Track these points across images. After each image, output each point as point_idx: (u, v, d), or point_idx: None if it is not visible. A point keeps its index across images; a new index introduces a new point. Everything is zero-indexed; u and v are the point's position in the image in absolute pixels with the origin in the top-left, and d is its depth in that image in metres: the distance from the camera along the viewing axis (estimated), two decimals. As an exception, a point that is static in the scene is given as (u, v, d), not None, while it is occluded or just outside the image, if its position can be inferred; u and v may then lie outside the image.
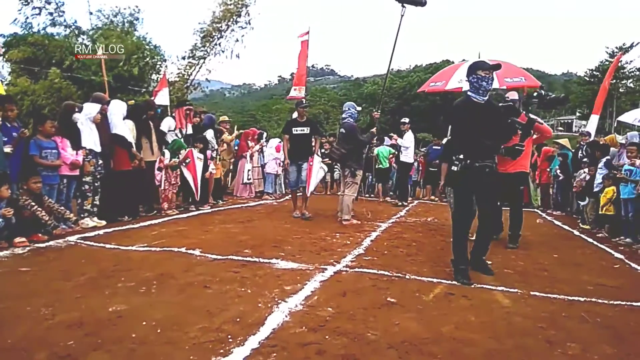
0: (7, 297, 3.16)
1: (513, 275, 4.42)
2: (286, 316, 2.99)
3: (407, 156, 10.65)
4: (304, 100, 8.88)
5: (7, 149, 5.07)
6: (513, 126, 4.47)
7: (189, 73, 17.49)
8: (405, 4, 6.13)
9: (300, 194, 7.88)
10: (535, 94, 4.72)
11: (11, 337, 2.52)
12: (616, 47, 48.57)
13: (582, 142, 9.58)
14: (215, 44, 17.37)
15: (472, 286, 3.91)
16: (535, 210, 10.71)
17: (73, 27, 16.84)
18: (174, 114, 8.35)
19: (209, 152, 8.53)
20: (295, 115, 8.12)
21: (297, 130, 7.65)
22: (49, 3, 16.21)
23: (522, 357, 2.58)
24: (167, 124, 7.87)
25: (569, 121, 70.37)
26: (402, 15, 6.23)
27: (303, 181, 7.64)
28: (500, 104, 4.74)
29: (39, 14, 16.12)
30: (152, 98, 9.49)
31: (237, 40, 17.51)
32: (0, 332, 2.59)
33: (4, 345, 2.43)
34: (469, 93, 4.31)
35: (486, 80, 4.17)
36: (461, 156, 4.17)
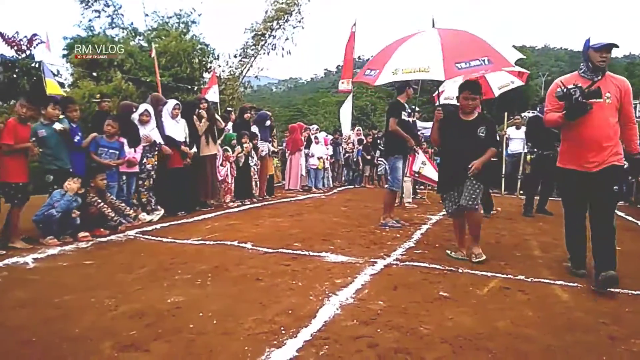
0: (74, 289, 3.34)
1: (572, 269, 4.23)
2: (337, 309, 3.01)
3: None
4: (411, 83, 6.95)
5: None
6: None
7: (241, 71, 17.79)
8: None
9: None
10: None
11: (78, 327, 2.67)
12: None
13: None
14: (267, 43, 17.56)
15: (530, 280, 3.79)
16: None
17: (130, 28, 17.57)
18: None
19: (262, 148, 8.74)
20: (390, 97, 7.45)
21: (405, 116, 6.27)
22: (108, 6, 16.99)
23: (583, 353, 2.47)
24: None
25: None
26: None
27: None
28: None
29: (99, 16, 16.95)
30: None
31: (288, 39, 17.67)
32: (68, 322, 2.74)
33: (72, 334, 2.58)
34: (537, 113, 7.05)
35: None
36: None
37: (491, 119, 4.61)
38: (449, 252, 4.64)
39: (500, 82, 7.20)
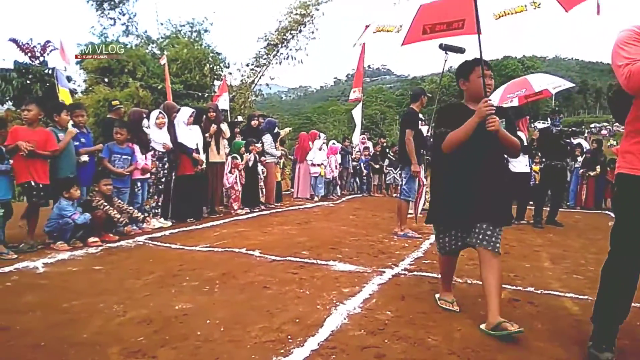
0: (82, 294, 3.36)
1: (583, 281, 4.18)
2: (345, 319, 3.00)
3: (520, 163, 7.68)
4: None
5: (85, 158, 5.41)
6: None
7: (252, 80, 17.92)
8: (447, 52, 5.92)
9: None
10: None
11: (86, 332, 2.68)
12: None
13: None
14: (280, 53, 17.67)
15: (539, 292, 3.75)
16: (608, 212, 10.09)
17: (144, 36, 17.87)
18: None
19: (267, 157, 8.76)
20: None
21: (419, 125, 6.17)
22: (123, 14, 17.31)
23: (594, 368, 2.43)
24: None
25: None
26: (445, 60, 6.04)
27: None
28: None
29: (114, 24, 17.29)
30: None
31: (300, 49, 17.78)
32: (76, 328, 2.75)
33: (80, 339, 2.59)
34: (549, 126, 7.84)
35: (558, 122, 7.71)
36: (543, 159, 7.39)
37: (510, 111, 3.41)
38: (437, 296, 3.42)
39: (555, 82, 8.36)
